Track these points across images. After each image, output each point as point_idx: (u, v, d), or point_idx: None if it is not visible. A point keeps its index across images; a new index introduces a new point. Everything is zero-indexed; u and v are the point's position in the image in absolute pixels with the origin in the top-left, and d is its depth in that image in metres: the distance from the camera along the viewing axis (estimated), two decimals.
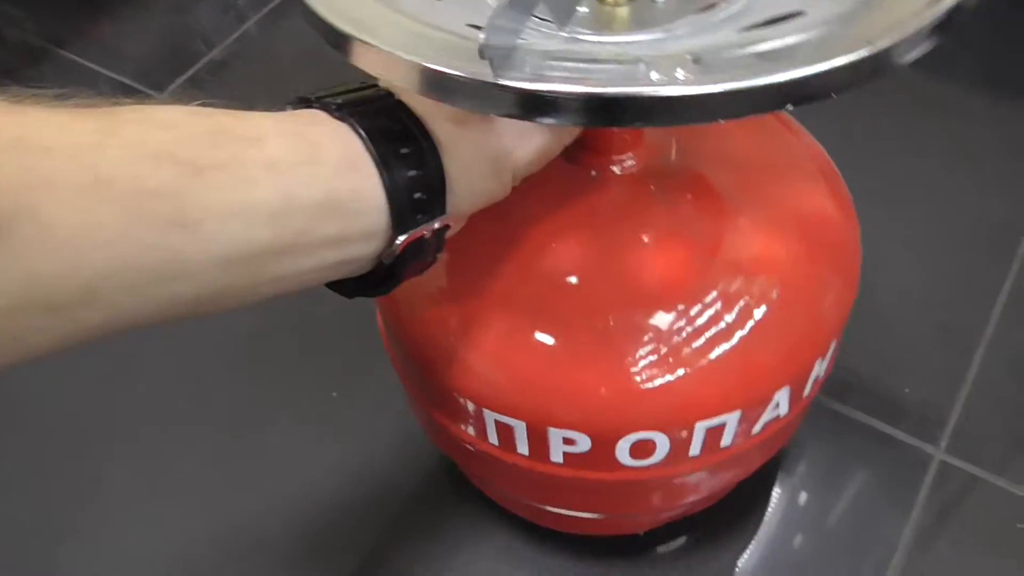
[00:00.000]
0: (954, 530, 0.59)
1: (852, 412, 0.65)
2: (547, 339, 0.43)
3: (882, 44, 0.27)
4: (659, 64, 0.27)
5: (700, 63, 0.27)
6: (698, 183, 0.45)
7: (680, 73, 0.27)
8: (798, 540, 0.60)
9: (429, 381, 0.47)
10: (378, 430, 0.65)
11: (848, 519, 0.60)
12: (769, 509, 0.62)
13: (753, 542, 0.60)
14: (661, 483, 0.48)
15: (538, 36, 0.34)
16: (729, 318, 0.42)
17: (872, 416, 0.64)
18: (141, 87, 0.97)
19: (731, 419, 0.44)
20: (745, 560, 0.60)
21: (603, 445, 0.44)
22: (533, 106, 0.27)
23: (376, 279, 0.35)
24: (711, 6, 0.37)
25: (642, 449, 0.44)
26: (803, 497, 0.62)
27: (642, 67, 0.27)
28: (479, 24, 0.31)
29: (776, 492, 0.62)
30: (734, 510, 0.61)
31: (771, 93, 0.27)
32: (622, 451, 0.44)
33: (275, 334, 0.72)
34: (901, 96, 0.86)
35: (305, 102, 0.33)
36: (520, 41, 0.28)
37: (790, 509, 0.62)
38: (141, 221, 0.26)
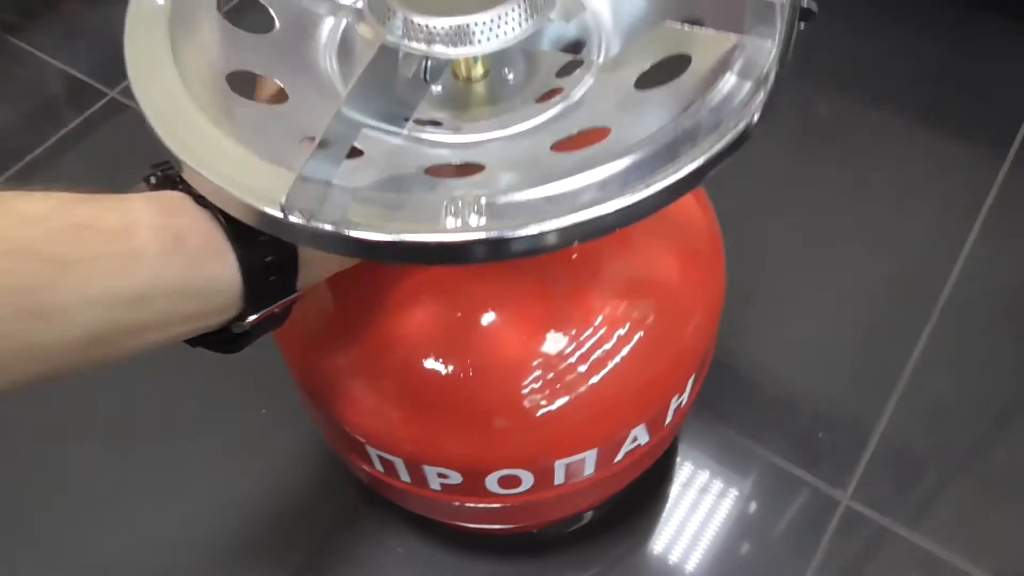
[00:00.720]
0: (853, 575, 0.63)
1: (765, 451, 0.68)
2: (418, 388, 0.46)
3: (657, 185, 0.30)
4: (459, 207, 0.30)
5: (493, 207, 0.30)
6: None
7: (473, 219, 0.30)
8: None
9: (325, 415, 0.51)
10: (302, 446, 0.69)
11: (752, 557, 0.64)
12: (672, 537, 0.65)
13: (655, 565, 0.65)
14: (533, 505, 0.52)
15: (379, 134, 0.36)
16: (582, 368, 0.46)
17: (784, 458, 0.67)
18: (93, 82, 0.97)
19: (589, 455, 0.48)
20: None
21: (473, 479, 0.48)
22: (338, 246, 0.30)
23: (226, 339, 0.37)
24: (552, 93, 0.39)
25: (509, 482, 0.49)
26: (708, 533, 0.65)
27: (442, 212, 0.30)
28: (313, 136, 0.33)
29: (680, 523, 0.66)
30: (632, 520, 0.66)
31: (553, 237, 0.30)
32: (491, 483, 0.49)
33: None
34: (827, 141, 0.88)
35: (169, 182, 0.35)
36: (333, 181, 0.31)
37: (691, 545, 0.65)
38: None
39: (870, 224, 0.81)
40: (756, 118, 0.32)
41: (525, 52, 0.41)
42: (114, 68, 0.98)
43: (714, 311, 0.52)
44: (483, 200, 0.30)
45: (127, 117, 0.94)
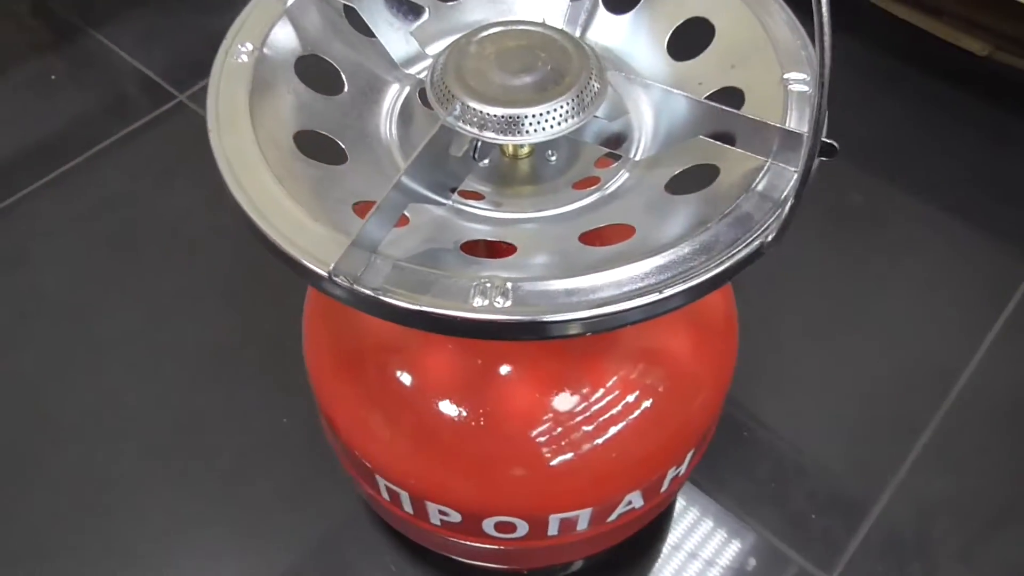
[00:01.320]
0: None
1: (757, 525, 0.70)
2: (431, 428, 0.49)
3: (669, 292, 0.33)
4: (487, 288, 0.33)
5: (518, 292, 0.33)
6: None
7: (499, 301, 0.33)
8: None
9: (342, 440, 0.54)
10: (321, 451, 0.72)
11: None
12: None
13: None
14: (526, 552, 0.55)
15: (426, 204, 0.40)
16: (587, 429, 0.49)
17: (775, 534, 0.69)
18: (165, 84, 1.02)
19: (583, 513, 0.51)
20: None
21: (471, 520, 0.51)
22: (374, 309, 0.33)
23: None
24: (589, 182, 0.42)
25: (505, 527, 0.51)
26: None
27: (471, 290, 0.33)
28: (364, 200, 0.37)
29: None
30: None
31: (568, 328, 0.33)
32: (488, 526, 0.52)
33: (243, 349, 0.79)
34: (857, 228, 0.90)
35: None
36: (379, 248, 0.34)
37: None
38: None
39: (890, 314, 0.83)
40: (771, 238, 0.35)
41: (569, 139, 0.45)
42: (186, 73, 1.04)
43: (721, 389, 0.55)
44: (509, 285, 0.33)
45: (192, 121, 0.99)
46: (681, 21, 0.45)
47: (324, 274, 0.33)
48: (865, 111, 1.01)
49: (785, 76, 0.41)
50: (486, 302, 0.33)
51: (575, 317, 0.32)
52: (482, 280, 0.34)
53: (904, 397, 0.77)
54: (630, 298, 0.33)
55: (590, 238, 0.38)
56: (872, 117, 1.00)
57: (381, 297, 0.33)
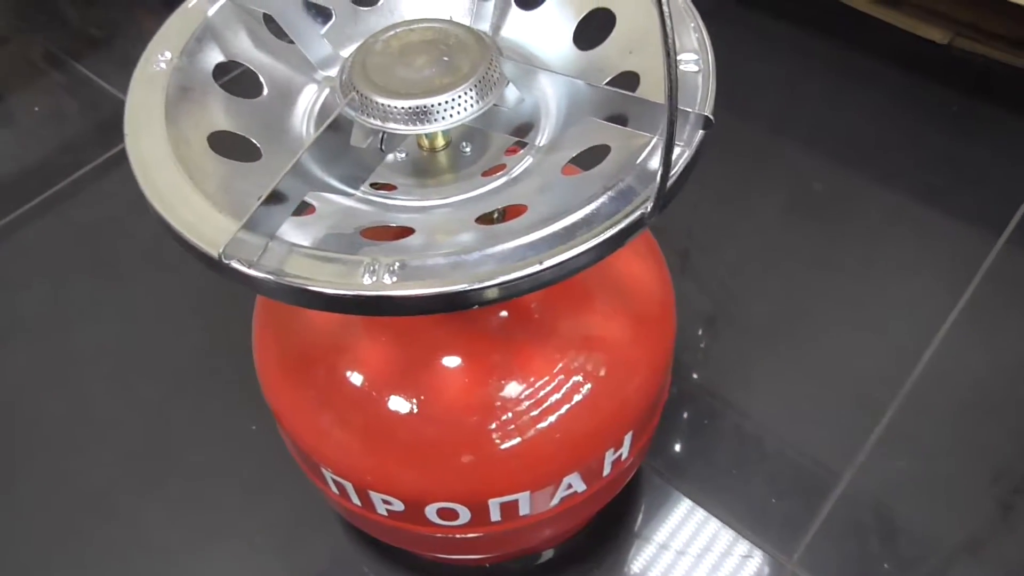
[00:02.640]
0: None
1: (720, 511, 0.70)
2: (368, 419, 0.51)
3: (549, 262, 0.35)
4: (376, 267, 0.35)
5: (407, 267, 0.35)
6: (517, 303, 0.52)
7: (387, 279, 0.34)
8: None
9: (289, 435, 0.56)
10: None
11: None
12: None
13: None
14: (474, 540, 0.56)
15: (335, 195, 0.41)
16: (520, 414, 0.50)
17: (736, 519, 0.70)
18: None
19: (522, 497, 0.52)
20: None
21: (414, 507, 0.53)
22: (272, 292, 0.35)
23: None
24: (498, 169, 0.44)
25: (447, 514, 0.53)
26: None
27: (361, 268, 0.35)
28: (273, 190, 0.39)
29: (631, 573, 0.69)
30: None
31: (454, 299, 0.34)
32: (431, 513, 0.53)
33: (213, 361, 0.81)
34: (818, 216, 0.92)
35: None
36: (277, 234, 0.36)
37: None
38: None
39: (853, 299, 0.84)
40: (650, 208, 0.36)
41: (482, 131, 0.46)
42: None
43: (658, 373, 0.56)
44: (397, 263, 0.35)
45: None
46: (585, 12, 0.47)
47: (215, 256, 0.34)
48: (828, 101, 1.02)
49: (678, 57, 0.42)
50: (374, 279, 0.34)
51: (458, 289, 0.34)
52: (374, 260, 0.35)
53: (866, 380, 0.78)
54: (512, 270, 0.34)
55: (488, 220, 0.40)
56: (835, 107, 1.02)
57: (274, 279, 0.35)
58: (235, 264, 0.35)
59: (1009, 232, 0.88)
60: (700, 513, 0.71)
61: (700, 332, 0.82)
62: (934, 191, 0.92)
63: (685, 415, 0.77)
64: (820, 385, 0.78)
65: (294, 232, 0.37)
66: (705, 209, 0.93)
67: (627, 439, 0.55)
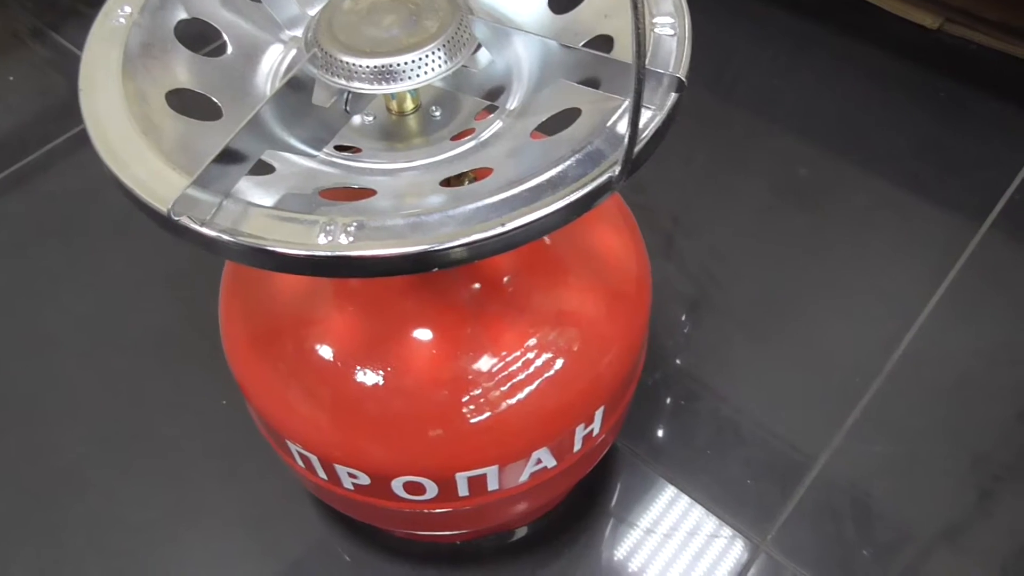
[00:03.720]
0: None
1: (693, 492, 0.70)
2: (332, 391, 0.50)
3: (512, 224, 0.34)
4: (332, 227, 0.34)
5: (364, 228, 0.34)
6: (489, 277, 0.51)
7: (343, 239, 0.33)
8: None
9: (253, 408, 0.55)
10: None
11: None
12: (593, 566, 0.67)
13: None
14: (443, 515, 0.55)
15: (296, 156, 0.40)
16: (489, 387, 0.49)
17: (711, 500, 0.69)
18: None
19: (490, 471, 0.51)
20: None
21: (380, 481, 0.52)
22: (224, 252, 0.34)
23: None
24: (467, 133, 0.43)
25: (414, 488, 0.52)
26: (628, 565, 0.67)
27: (317, 228, 0.34)
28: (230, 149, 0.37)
29: (603, 554, 0.68)
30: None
31: (413, 260, 0.33)
32: (397, 487, 0.52)
33: (187, 334, 0.80)
34: (803, 200, 0.91)
35: None
36: (232, 191, 0.35)
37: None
38: None
39: (835, 283, 0.83)
40: (617, 172, 0.35)
41: (453, 94, 0.45)
42: None
43: (631, 350, 0.55)
44: (354, 223, 0.34)
45: None
46: None
47: (163, 212, 0.33)
48: (816, 85, 1.01)
49: (653, 20, 0.41)
50: (330, 239, 0.33)
51: (416, 250, 0.33)
52: (331, 220, 0.34)
53: (845, 364, 0.77)
54: (474, 232, 0.33)
55: (456, 184, 0.38)
56: (823, 91, 1.01)
57: (227, 237, 0.33)
58: (185, 221, 0.33)
59: (992, 219, 0.87)
60: (675, 493, 0.70)
61: (682, 316, 0.82)
62: (919, 177, 0.91)
63: (663, 397, 0.76)
64: (799, 369, 0.77)
65: (252, 191, 0.36)
66: (690, 192, 0.92)
67: (598, 415, 0.54)
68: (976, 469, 0.71)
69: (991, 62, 1.01)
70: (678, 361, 0.78)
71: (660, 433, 0.74)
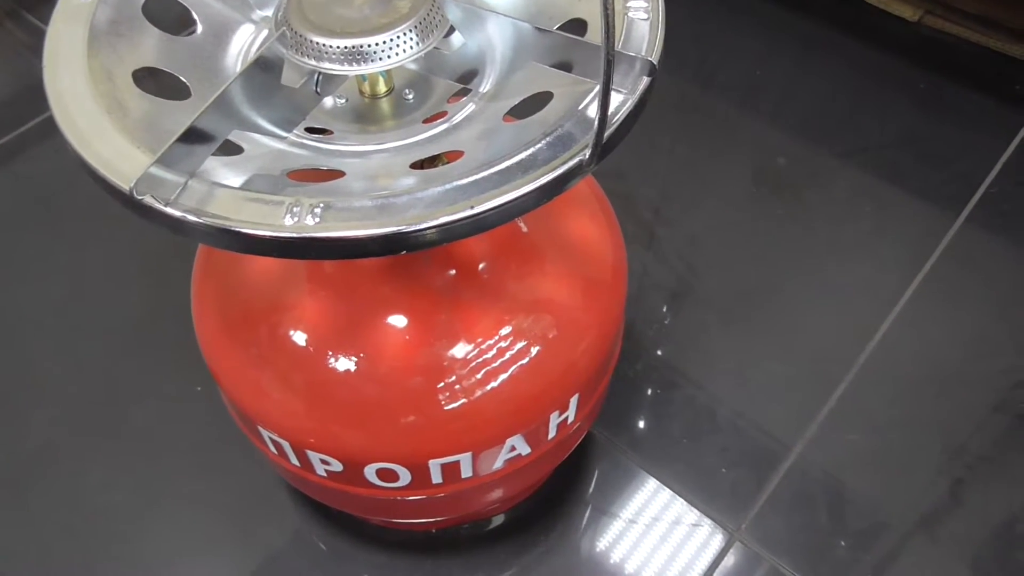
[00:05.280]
0: None
1: (667, 481, 0.70)
2: (303, 376, 0.49)
3: (481, 207, 0.33)
4: (298, 208, 0.33)
5: (331, 209, 0.33)
6: (464, 263, 0.51)
7: (309, 220, 0.33)
8: None
9: (225, 394, 0.54)
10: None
11: None
12: (569, 554, 0.67)
13: None
14: (416, 503, 0.55)
15: (265, 137, 0.40)
16: (462, 374, 0.49)
17: (685, 489, 0.69)
18: None
19: (464, 458, 0.51)
20: None
21: (352, 468, 0.51)
22: (189, 232, 0.33)
23: None
24: (439, 116, 0.42)
25: (387, 475, 0.51)
26: (604, 555, 0.67)
27: (283, 209, 0.33)
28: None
29: (579, 543, 0.68)
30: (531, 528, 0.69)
31: (380, 242, 0.33)
32: (370, 474, 0.52)
33: (160, 318, 0.79)
34: (780, 190, 0.91)
35: None
36: (197, 171, 0.34)
37: (586, 564, 0.67)
38: None
39: (812, 273, 0.84)
40: (588, 155, 0.35)
41: (426, 77, 0.45)
42: None
43: (606, 338, 0.55)
44: (321, 205, 0.33)
45: None
46: None
47: (126, 191, 0.33)
48: (797, 76, 1.02)
49: (627, 4, 0.41)
50: (295, 220, 0.33)
51: (383, 232, 0.32)
52: (297, 201, 0.34)
53: (821, 354, 0.78)
54: (442, 214, 0.33)
55: (428, 166, 0.38)
56: (803, 82, 1.01)
57: (191, 217, 0.33)
58: (149, 200, 0.33)
59: (969, 210, 0.88)
60: (651, 482, 0.70)
61: (662, 306, 0.82)
62: (898, 168, 0.92)
63: (641, 386, 0.76)
64: (776, 358, 0.78)
65: (219, 172, 0.36)
66: (670, 181, 0.92)
67: (573, 402, 0.54)
68: (950, 459, 0.71)
69: (970, 55, 1.02)
70: (653, 347, 0.78)
71: (637, 422, 0.74)
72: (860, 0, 1.06)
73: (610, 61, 0.31)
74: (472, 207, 0.33)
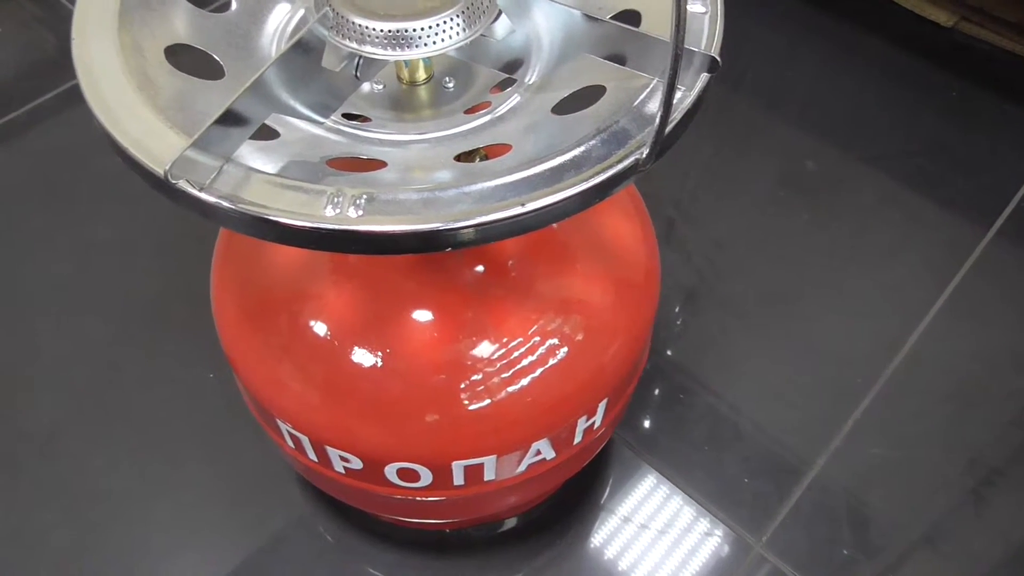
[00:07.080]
0: None
1: (688, 489, 0.68)
2: (326, 371, 0.48)
3: (533, 205, 0.31)
4: (340, 199, 0.31)
5: (375, 201, 0.31)
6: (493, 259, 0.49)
7: (352, 212, 0.31)
8: None
9: (244, 385, 0.53)
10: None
11: None
12: (585, 559, 0.66)
13: None
14: (435, 504, 0.54)
15: (302, 122, 0.38)
16: (490, 375, 0.47)
17: (706, 498, 0.68)
18: None
19: (488, 460, 0.49)
20: None
21: (373, 466, 0.50)
22: (223, 220, 0.32)
23: None
24: (482, 106, 0.40)
25: (408, 475, 0.50)
26: (621, 560, 0.66)
27: (324, 199, 0.31)
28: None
29: (597, 546, 0.67)
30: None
31: (426, 238, 0.31)
32: (390, 473, 0.50)
33: (173, 303, 0.77)
34: (809, 195, 0.88)
35: None
36: (233, 156, 0.33)
37: (602, 569, 0.65)
38: None
39: (839, 282, 0.82)
40: (645, 154, 0.33)
41: (467, 65, 0.43)
42: None
43: (637, 341, 0.53)
44: (364, 196, 0.32)
45: None
46: None
47: (160, 175, 0.31)
48: (827, 79, 1.00)
49: None
50: (337, 211, 0.31)
51: (430, 228, 0.31)
52: (339, 191, 0.32)
53: (847, 365, 0.76)
54: (490, 211, 0.31)
55: (469, 160, 0.36)
56: (834, 85, 0.99)
57: (227, 204, 0.31)
58: (183, 185, 0.31)
59: (1000, 224, 0.86)
60: (669, 489, 0.69)
61: (681, 307, 0.80)
62: (927, 176, 0.90)
63: (660, 390, 0.74)
64: (800, 367, 0.76)
65: (254, 157, 0.34)
66: (694, 180, 0.90)
67: (601, 407, 0.52)
68: (971, 475, 0.70)
69: (1004, 63, 1.00)
70: (673, 352, 0.77)
71: (655, 425, 0.72)
72: (892, 3, 1.04)
73: (678, 56, 0.29)
74: (523, 204, 0.31)
